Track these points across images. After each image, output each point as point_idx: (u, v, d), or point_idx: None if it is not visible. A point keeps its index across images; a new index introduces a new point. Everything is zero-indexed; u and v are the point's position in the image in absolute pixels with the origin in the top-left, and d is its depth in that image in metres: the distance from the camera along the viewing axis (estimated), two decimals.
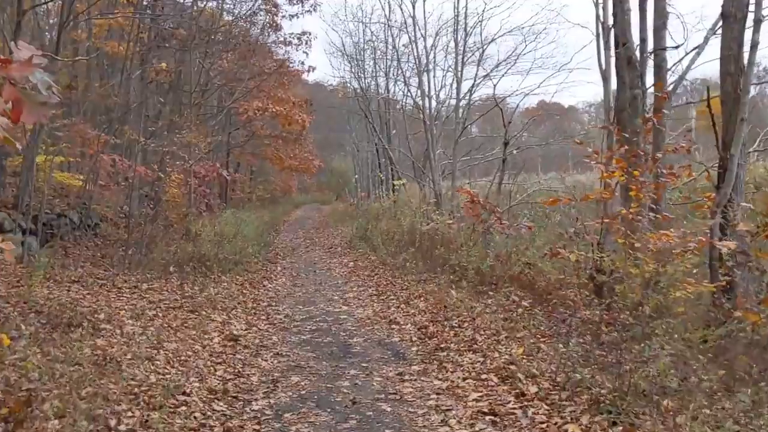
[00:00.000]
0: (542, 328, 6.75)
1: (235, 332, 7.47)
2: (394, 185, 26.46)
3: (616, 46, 9.49)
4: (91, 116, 18.65)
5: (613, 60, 11.90)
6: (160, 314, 8.18)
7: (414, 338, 7.29)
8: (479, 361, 5.97)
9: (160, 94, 23.34)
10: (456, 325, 7.49)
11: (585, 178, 24.31)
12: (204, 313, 8.46)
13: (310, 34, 27.93)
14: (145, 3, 22.69)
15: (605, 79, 12.12)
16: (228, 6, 26.72)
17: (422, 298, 9.33)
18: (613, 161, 7.08)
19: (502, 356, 5.93)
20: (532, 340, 6.32)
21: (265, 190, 38.95)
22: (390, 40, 26.65)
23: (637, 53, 9.25)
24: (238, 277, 11.99)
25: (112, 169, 15.32)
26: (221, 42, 24.69)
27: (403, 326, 7.92)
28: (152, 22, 23.99)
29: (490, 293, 8.84)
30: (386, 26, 26.30)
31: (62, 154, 16.05)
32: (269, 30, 27.95)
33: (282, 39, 28.54)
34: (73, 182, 17.00)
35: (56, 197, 15.98)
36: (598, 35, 12.22)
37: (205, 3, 25.40)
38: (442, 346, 6.70)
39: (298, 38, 27.99)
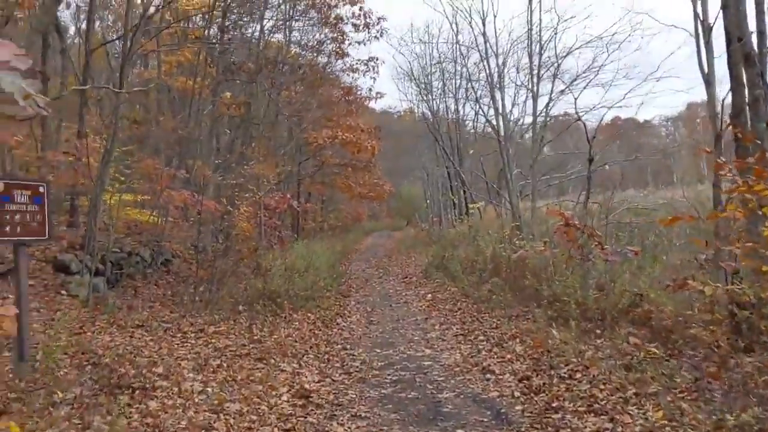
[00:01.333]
0: (677, 380, 5.50)
1: (306, 386, 6.51)
2: (468, 209, 25.33)
3: (728, 44, 8.24)
4: (164, 151, 18.45)
5: (717, 61, 10.59)
6: (225, 364, 7.34)
7: (516, 393, 6.14)
8: (606, 429, 4.79)
9: (230, 127, 23.19)
10: (566, 375, 6.31)
11: (670, 195, 22.63)
12: (273, 361, 7.57)
13: (377, 59, 27.38)
14: (212, 38, 22.74)
15: (708, 83, 10.80)
16: (295, 37, 26.50)
17: (517, 339, 8.16)
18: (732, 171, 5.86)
19: (636, 422, 4.73)
20: (668, 398, 5.09)
21: (337, 219, 38.43)
22: (459, 59, 25.78)
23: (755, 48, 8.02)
24: (309, 314, 11.12)
25: (182, 204, 14.87)
26: (288, 73, 24.41)
27: (500, 376, 6.78)
28: (220, 55, 23.97)
29: (598, 332, 7.62)
30: (455, 46, 25.44)
31: (131, 190, 15.76)
32: (336, 58, 27.55)
33: (349, 66, 28.06)
34: (144, 218, 16.70)
35: (128, 235, 15.65)
36: (697, 35, 10.95)
37: (271, 35, 25.31)
38: (553, 405, 5.52)
39: (365, 64, 27.46)
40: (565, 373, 6.41)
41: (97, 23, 25.31)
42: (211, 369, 7.07)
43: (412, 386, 6.70)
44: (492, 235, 16.15)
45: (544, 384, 6.21)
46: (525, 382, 6.42)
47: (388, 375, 7.24)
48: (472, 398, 6.16)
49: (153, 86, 17.03)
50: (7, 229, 6.83)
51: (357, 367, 7.66)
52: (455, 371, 7.26)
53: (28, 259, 7.42)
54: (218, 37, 23.18)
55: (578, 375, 6.29)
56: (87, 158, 12.42)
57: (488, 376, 6.88)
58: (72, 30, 26.16)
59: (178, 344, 8.48)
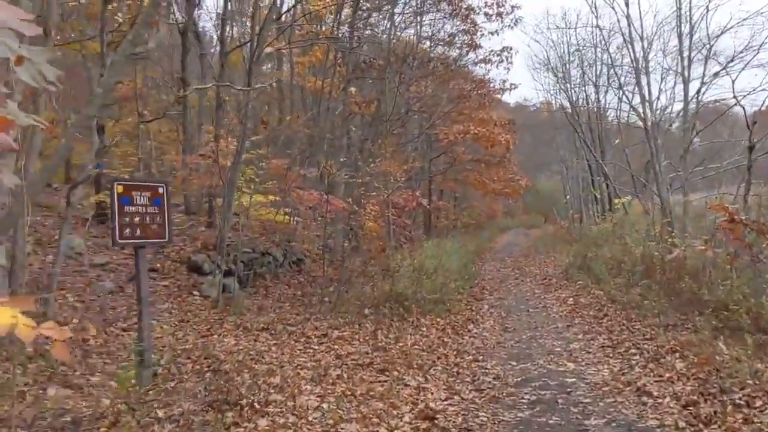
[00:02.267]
0: None
1: (432, 405, 5.84)
2: (612, 204, 23.62)
3: None
4: (295, 151, 18.51)
5: None
6: (345, 375, 6.82)
7: (681, 422, 5.09)
8: None
9: (361, 126, 23.03)
10: (742, 401, 5.21)
11: None
12: (396, 373, 6.95)
13: (510, 49, 26.12)
14: (342, 36, 22.65)
15: None
16: (425, 32, 25.93)
17: (677, 354, 7.02)
18: None
19: None
20: None
21: (470, 217, 37.50)
22: (600, 45, 24.12)
23: None
24: (438, 319, 10.44)
25: (311, 203, 14.72)
26: (418, 68, 23.89)
27: (659, 400, 5.74)
28: (350, 53, 23.87)
29: None
30: (595, 30, 23.83)
31: (264, 191, 15.87)
32: (467, 50, 26.63)
33: (481, 58, 27.04)
34: (279, 219, 16.78)
35: (263, 234, 15.75)
36: None
37: (402, 31, 24.90)
38: None
39: (498, 55, 26.29)
40: (740, 399, 5.30)
41: (235, 29, 26.13)
42: (330, 380, 6.57)
43: (553, 409, 5.82)
44: (640, 233, 14.71)
45: (715, 413, 5.13)
46: (690, 409, 5.35)
47: (525, 394, 6.40)
48: (627, 427, 5.20)
49: (274, 83, 17.01)
50: (127, 231, 6.68)
51: (489, 383, 6.87)
52: (604, 391, 6.29)
53: (147, 262, 7.25)
54: (348, 35, 23.15)
55: (758, 402, 5.17)
56: (217, 159, 12.48)
57: (644, 399, 5.86)
58: (214, 37, 27.07)
59: (300, 350, 8.10)
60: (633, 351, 7.72)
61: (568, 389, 6.47)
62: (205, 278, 12.03)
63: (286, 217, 16.83)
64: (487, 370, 7.42)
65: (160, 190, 7.08)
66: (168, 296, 11.21)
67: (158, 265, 12.43)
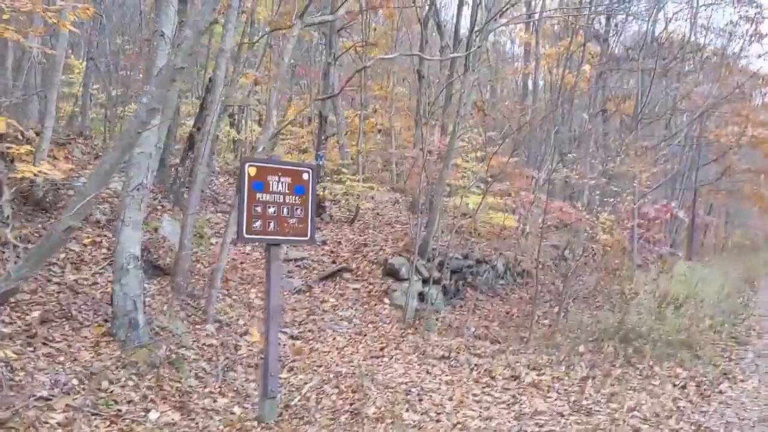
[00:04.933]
0: None
1: None
2: None
3: None
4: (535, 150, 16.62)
5: None
6: None
7: None
8: None
9: (610, 121, 20.42)
10: None
11: None
12: None
13: None
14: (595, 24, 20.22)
15: None
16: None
17: None
18: None
19: None
20: None
21: (744, 236, 31.94)
22: None
23: None
24: (679, 369, 7.74)
25: (529, 204, 12.67)
26: (686, 60, 20.43)
27: None
28: (604, 43, 21.32)
29: None
30: None
31: (483, 191, 14.24)
32: (750, 41, 22.24)
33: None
34: (508, 223, 14.95)
35: (483, 240, 14.06)
36: None
37: (671, 19, 21.55)
38: None
39: None
40: None
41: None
42: None
43: None
44: None
45: None
46: None
47: None
48: None
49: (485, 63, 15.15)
50: (257, 224, 5.38)
51: None
52: None
53: (280, 264, 5.88)
54: (602, 24, 20.55)
55: None
56: (424, 154, 11.01)
57: None
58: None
59: (474, 396, 6.21)
60: None
61: None
62: (401, 285, 10.62)
63: (513, 221, 14.91)
64: None
65: (305, 175, 5.69)
66: (354, 302, 9.99)
67: (353, 265, 11.33)
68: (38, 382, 4.97)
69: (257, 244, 10.22)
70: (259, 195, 5.38)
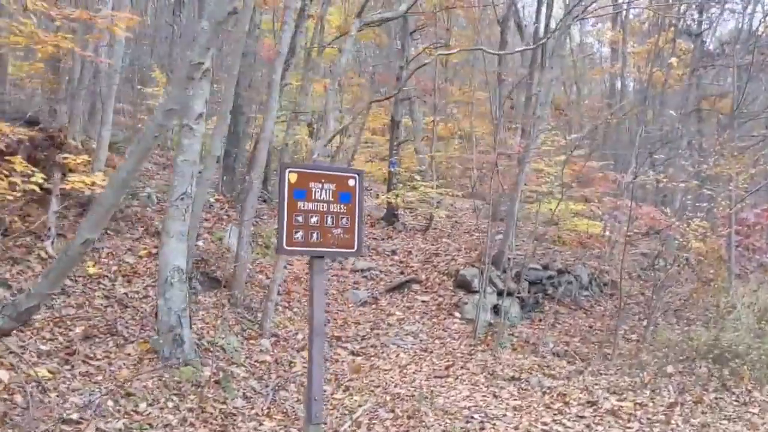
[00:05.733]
0: None
1: None
2: None
3: None
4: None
5: None
6: None
7: None
8: None
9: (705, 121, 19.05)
10: None
11: None
12: None
13: None
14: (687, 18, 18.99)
15: None
16: None
17: None
18: None
19: None
20: None
21: None
22: None
23: None
24: None
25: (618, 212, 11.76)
26: None
27: None
28: (696, 39, 20.04)
29: None
30: None
31: (563, 195, 13.46)
32: None
33: None
34: (592, 230, 14.08)
35: (566, 249, 13.25)
36: None
37: None
38: None
39: None
40: None
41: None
42: None
43: None
44: None
45: None
46: None
47: None
48: None
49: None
50: (298, 235, 4.95)
51: None
52: None
53: (324, 278, 5.43)
54: (695, 18, 19.23)
55: None
56: (496, 157, 10.37)
57: None
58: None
59: (545, 424, 5.56)
60: None
61: None
62: (473, 297, 10.01)
63: (599, 228, 14.02)
64: None
65: (351, 182, 5.21)
66: (422, 315, 9.47)
67: (423, 276, 10.80)
68: (70, 404, 4.71)
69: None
70: (300, 203, 4.95)
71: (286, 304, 8.54)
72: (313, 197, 5.04)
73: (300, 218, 4.97)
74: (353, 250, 5.27)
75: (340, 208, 5.15)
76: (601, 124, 11.51)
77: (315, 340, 5.04)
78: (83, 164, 7.41)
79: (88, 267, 6.67)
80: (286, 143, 10.76)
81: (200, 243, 8.14)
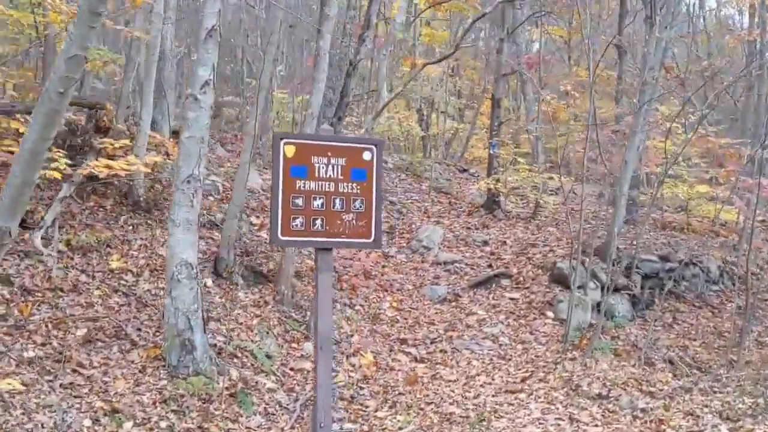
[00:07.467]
0: None
1: None
2: None
3: None
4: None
5: None
6: None
7: None
8: None
9: None
10: None
11: None
12: None
13: None
14: None
15: None
16: None
17: None
18: None
19: None
20: None
21: None
22: None
23: None
24: None
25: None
26: None
27: None
28: None
29: None
30: None
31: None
32: None
33: None
34: (726, 216, 12.20)
35: (692, 238, 11.48)
36: None
37: None
38: None
39: None
40: None
41: None
42: None
43: None
44: None
45: None
46: None
47: None
48: None
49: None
50: (297, 222, 3.98)
51: None
52: None
53: (331, 272, 4.39)
54: None
55: None
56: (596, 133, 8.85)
57: None
58: None
59: None
60: None
61: None
62: (567, 294, 8.58)
63: (733, 214, 12.11)
64: None
65: (367, 155, 4.16)
66: (508, 315, 8.22)
67: (514, 270, 9.49)
68: (34, 423, 3.99)
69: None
70: (300, 183, 3.96)
71: (347, 302, 7.60)
72: (316, 175, 4.04)
73: (299, 201, 3.99)
74: (369, 241, 4.21)
75: (353, 188, 4.12)
76: (730, 86, 9.60)
77: (321, 356, 4.04)
78: (122, 149, 6.86)
79: (111, 261, 6.05)
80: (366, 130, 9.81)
81: (243, 230, 7.38)
